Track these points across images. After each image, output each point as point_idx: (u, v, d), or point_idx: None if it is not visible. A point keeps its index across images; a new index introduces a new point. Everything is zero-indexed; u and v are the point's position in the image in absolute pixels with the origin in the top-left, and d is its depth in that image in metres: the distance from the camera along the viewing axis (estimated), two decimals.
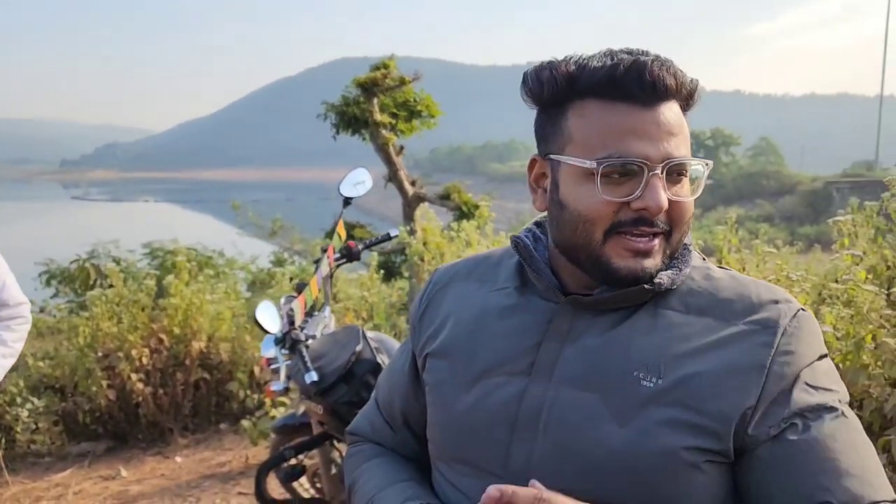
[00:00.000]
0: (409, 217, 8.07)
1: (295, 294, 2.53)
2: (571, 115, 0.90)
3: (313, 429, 2.59)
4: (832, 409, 0.83)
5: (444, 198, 8.69)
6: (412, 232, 5.95)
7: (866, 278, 2.84)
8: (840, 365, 2.21)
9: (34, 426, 4.40)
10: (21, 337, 2.24)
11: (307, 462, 2.68)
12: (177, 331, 4.53)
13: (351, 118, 8.55)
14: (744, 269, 3.10)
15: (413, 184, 8.68)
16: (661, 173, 0.85)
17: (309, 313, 2.49)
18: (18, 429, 4.33)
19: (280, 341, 2.31)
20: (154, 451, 4.39)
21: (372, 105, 8.33)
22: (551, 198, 0.94)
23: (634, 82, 0.85)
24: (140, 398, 4.41)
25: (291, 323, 2.30)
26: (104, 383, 4.32)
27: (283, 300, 2.47)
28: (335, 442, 2.60)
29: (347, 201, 2.56)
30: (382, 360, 2.17)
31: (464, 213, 8.26)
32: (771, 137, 75.06)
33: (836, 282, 2.62)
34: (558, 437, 0.87)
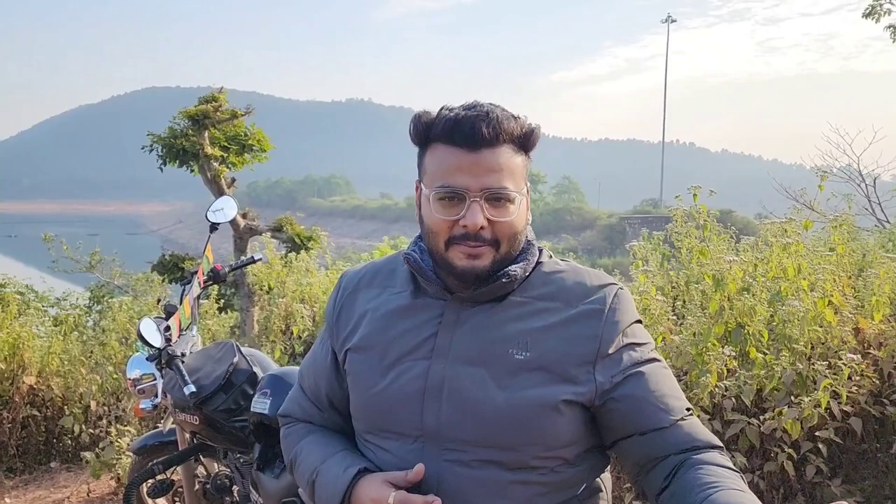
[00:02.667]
0: (240, 249, 8.06)
1: (163, 315, 2.67)
2: (428, 153, 1.22)
3: (179, 445, 2.72)
4: (652, 358, 1.22)
5: (277, 230, 8.77)
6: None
7: (656, 292, 3.48)
8: None
9: None
10: None
11: (174, 478, 2.78)
12: (3, 367, 4.33)
13: (179, 150, 8.42)
14: None
15: (244, 216, 8.69)
16: (481, 200, 1.16)
17: (186, 331, 2.63)
18: None
19: (154, 358, 2.45)
20: None
21: (202, 138, 8.28)
22: (419, 215, 1.27)
23: (462, 133, 1.16)
24: None
25: (168, 341, 2.44)
26: None
27: (152, 319, 2.59)
28: (201, 457, 2.75)
29: (214, 227, 2.76)
30: (257, 370, 2.38)
31: (296, 244, 8.38)
32: (572, 176, 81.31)
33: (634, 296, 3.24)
34: (458, 402, 1.18)
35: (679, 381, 2.92)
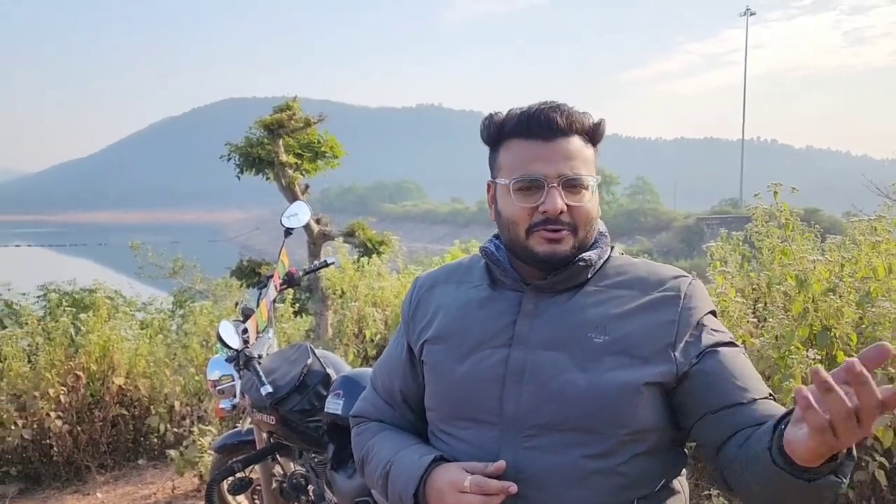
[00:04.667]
0: (314, 254, 8.24)
1: (241, 318, 2.75)
2: (502, 150, 1.28)
3: (257, 444, 2.79)
4: (731, 342, 1.22)
5: (349, 235, 8.93)
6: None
7: (735, 294, 3.37)
8: None
9: None
10: None
11: (252, 476, 2.85)
12: (94, 367, 4.55)
13: (255, 159, 8.68)
14: None
15: (318, 221, 8.88)
16: (558, 186, 1.20)
17: (262, 334, 2.71)
18: None
19: (233, 360, 2.52)
20: (71, 489, 4.36)
21: (277, 146, 8.51)
22: (495, 210, 1.31)
23: (536, 124, 1.22)
24: (55, 437, 4.38)
25: (245, 343, 2.52)
26: (20, 423, 4.27)
27: (231, 322, 2.67)
28: (278, 457, 2.81)
29: (288, 232, 2.82)
30: (330, 372, 2.43)
31: (368, 249, 8.51)
32: (647, 177, 79.76)
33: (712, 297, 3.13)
34: (539, 386, 1.20)
35: None
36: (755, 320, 3.36)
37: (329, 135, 9.35)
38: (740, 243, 4.12)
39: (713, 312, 1.26)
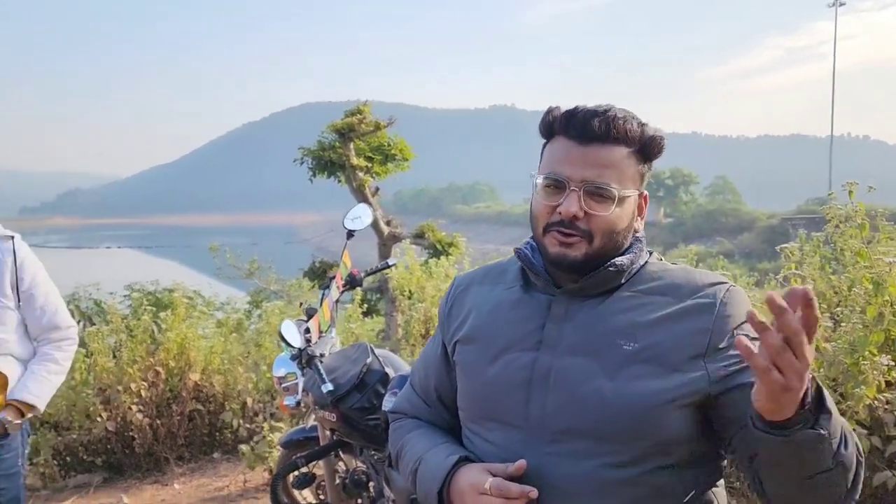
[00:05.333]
0: (384, 255, 8.36)
1: (305, 318, 2.83)
2: (548, 145, 1.28)
3: (321, 441, 2.86)
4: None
5: (419, 236, 9.02)
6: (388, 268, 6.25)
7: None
8: None
9: (29, 462, 4.54)
10: (70, 356, 2.50)
11: (316, 472, 2.93)
12: (172, 364, 4.76)
13: (327, 162, 8.87)
14: None
15: (388, 223, 9.01)
16: (579, 190, 1.18)
17: (320, 335, 2.78)
18: None
19: (296, 358, 2.60)
20: (151, 479, 4.57)
21: (348, 149, 8.67)
22: (531, 205, 1.30)
23: (574, 125, 1.20)
24: (137, 430, 4.59)
25: (308, 342, 2.59)
26: (104, 415, 4.50)
27: (295, 322, 2.76)
28: (340, 453, 2.88)
29: (350, 234, 2.89)
30: (389, 371, 2.47)
31: (438, 250, 8.57)
32: (727, 176, 77.30)
33: None
34: (564, 391, 1.18)
35: (833, 392, 2.71)
36: (832, 325, 3.22)
37: (399, 137, 9.47)
38: (821, 244, 3.95)
39: None
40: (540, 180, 1.23)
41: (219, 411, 4.89)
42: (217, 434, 4.97)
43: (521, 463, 1.15)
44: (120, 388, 4.55)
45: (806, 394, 0.94)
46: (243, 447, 4.20)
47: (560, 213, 1.20)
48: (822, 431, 0.96)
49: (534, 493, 1.12)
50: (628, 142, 1.21)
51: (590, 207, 1.19)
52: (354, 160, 8.73)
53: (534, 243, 1.33)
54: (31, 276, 2.40)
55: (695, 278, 1.24)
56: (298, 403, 2.74)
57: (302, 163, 9.16)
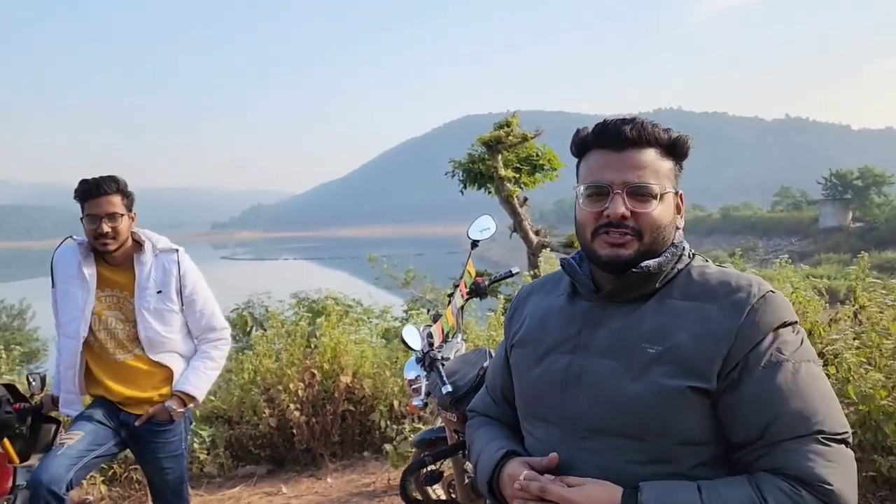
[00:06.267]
0: (533, 265, 8.45)
1: (432, 323, 3.00)
2: (583, 161, 1.37)
3: (448, 440, 3.01)
4: (790, 360, 1.17)
5: (567, 246, 9.02)
6: (535, 277, 6.32)
7: None
8: None
9: (205, 451, 5.08)
10: (224, 355, 2.84)
11: (445, 470, 3.08)
12: (326, 367, 5.13)
13: (477, 174, 9.10)
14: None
15: (537, 233, 9.08)
16: (622, 192, 1.26)
17: (445, 340, 2.94)
18: (195, 453, 5.02)
19: (420, 361, 2.77)
20: (308, 473, 4.95)
21: (496, 161, 8.85)
22: (575, 217, 1.38)
23: (608, 135, 1.30)
24: (295, 427, 5.00)
25: (430, 346, 2.75)
26: (267, 412, 4.95)
27: (422, 328, 2.93)
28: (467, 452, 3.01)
29: (475, 244, 3.02)
30: None
31: None
32: None
33: None
34: (593, 392, 1.27)
35: None
36: None
37: (547, 147, 9.52)
38: None
39: (788, 324, 1.21)
40: (581, 190, 1.31)
41: (368, 412, 5.20)
42: (367, 434, 5.28)
43: (553, 456, 1.25)
44: (280, 387, 4.97)
45: None
46: (387, 446, 4.45)
47: (608, 217, 1.27)
48: None
49: (566, 483, 1.20)
50: (658, 144, 1.30)
51: (635, 207, 1.27)
52: (502, 171, 8.90)
53: (580, 254, 1.42)
54: (192, 284, 2.77)
55: (730, 280, 1.26)
56: (426, 405, 2.90)
57: (453, 175, 9.45)
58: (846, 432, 1.15)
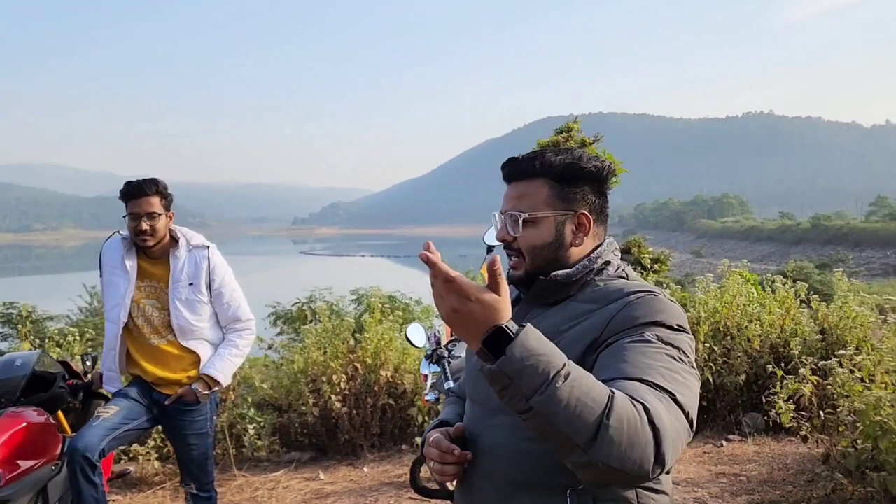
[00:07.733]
0: None
1: (444, 321, 3.14)
2: None
3: None
4: (647, 339, 1.23)
5: (625, 252, 8.96)
6: None
7: None
8: None
9: (257, 436, 5.38)
10: (249, 344, 3.08)
11: None
12: (369, 361, 5.34)
13: None
14: None
15: None
16: (503, 220, 1.44)
17: (457, 339, 3.08)
18: (246, 438, 5.33)
19: (429, 358, 2.92)
20: (347, 462, 5.17)
21: None
22: None
23: (504, 172, 1.48)
24: (338, 417, 5.24)
25: (438, 343, 2.90)
26: (311, 401, 5.20)
27: (438, 325, 3.08)
28: None
29: (490, 249, 3.14)
30: None
31: (644, 266, 8.46)
32: None
33: None
34: None
35: None
36: None
37: (607, 153, 9.48)
38: None
39: (671, 327, 1.27)
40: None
41: (408, 407, 5.39)
42: (406, 428, 5.47)
43: (459, 426, 1.44)
44: (324, 378, 5.22)
45: (491, 339, 1.10)
46: (418, 440, 4.62)
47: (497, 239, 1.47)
48: (490, 367, 1.09)
49: (457, 450, 1.38)
50: (544, 173, 1.43)
51: (514, 232, 1.43)
52: None
53: None
54: (221, 278, 3.02)
55: (623, 286, 1.37)
56: (437, 399, 3.05)
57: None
58: (688, 413, 1.17)
